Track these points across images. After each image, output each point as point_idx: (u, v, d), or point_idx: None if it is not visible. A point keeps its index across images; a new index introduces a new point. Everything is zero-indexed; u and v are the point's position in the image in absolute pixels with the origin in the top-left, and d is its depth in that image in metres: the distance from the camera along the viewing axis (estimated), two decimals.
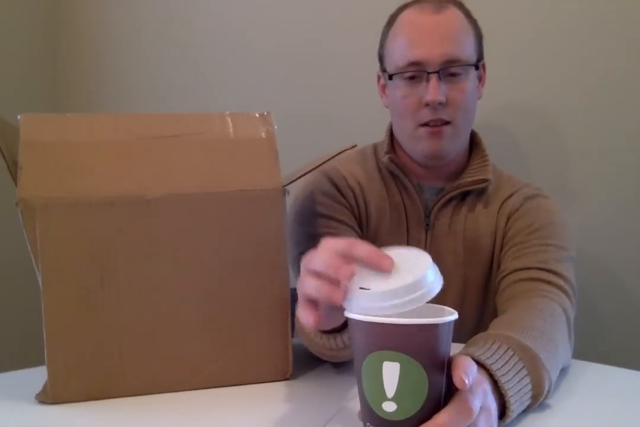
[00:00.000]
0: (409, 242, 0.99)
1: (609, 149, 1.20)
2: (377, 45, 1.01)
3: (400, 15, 0.97)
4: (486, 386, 0.55)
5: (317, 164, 0.80)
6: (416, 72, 0.92)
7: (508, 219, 0.97)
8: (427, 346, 0.49)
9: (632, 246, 1.19)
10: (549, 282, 0.85)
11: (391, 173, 1.01)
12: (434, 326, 0.49)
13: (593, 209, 1.22)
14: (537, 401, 0.65)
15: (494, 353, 0.63)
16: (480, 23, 0.97)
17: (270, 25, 1.56)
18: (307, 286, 0.55)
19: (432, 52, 0.91)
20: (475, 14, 0.97)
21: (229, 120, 0.79)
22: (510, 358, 0.63)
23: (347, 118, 1.44)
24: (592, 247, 1.20)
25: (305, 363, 0.83)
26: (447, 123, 0.94)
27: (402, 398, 0.48)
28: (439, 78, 0.91)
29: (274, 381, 0.77)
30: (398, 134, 1.01)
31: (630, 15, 1.17)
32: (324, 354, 0.76)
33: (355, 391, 0.72)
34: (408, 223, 1.00)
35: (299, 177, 0.78)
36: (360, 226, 0.99)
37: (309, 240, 0.89)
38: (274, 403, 0.70)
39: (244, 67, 1.59)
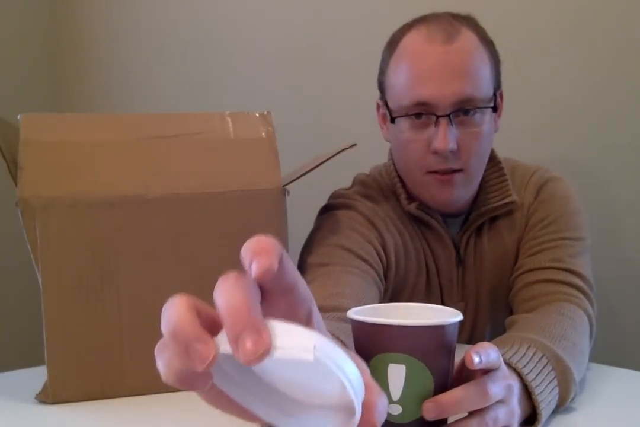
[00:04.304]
0: (441, 286, 0.91)
1: (607, 150, 1.20)
2: (378, 46, 0.99)
3: (404, 39, 0.84)
4: (514, 386, 0.53)
5: (316, 164, 0.80)
6: (423, 113, 0.81)
7: (527, 214, 0.91)
8: (433, 348, 0.48)
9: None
10: (568, 284, 0.81)
11: (417, 218, 0.90)
12: (441, 327, 0.48)
13: (598, 206, 1.22)
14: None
15: (529, 361, 0.61)
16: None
17: (271, 25, 1.56)
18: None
19: (442, 91, 0.79)
20: (471, 13, 0.93)
21: (229, 120, 0.79)
22: (544, 367, 0.62)
23: (347, 118, 1.44)
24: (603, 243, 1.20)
25: None
26: (458, 170, 0.83)
27: (407, 401, 0.48)
28: (450, 122, 0.79)
29: None
30: (403, 177, 0.90)
31: (628, 17, 1.17)
32: None
33: None
34: (437, 264, 0.90)
35: (299, 177, 0.78)
36: (386, 277, 0.87)
37: (319, 271, 0.80)
38: None
39: (245, 67, 1.59)
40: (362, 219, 0.87)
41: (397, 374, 0.47)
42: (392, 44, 0.86)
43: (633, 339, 1.19)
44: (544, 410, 0.59)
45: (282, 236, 0.76)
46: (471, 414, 0.49)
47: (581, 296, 0.81)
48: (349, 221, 0.86)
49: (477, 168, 0.86)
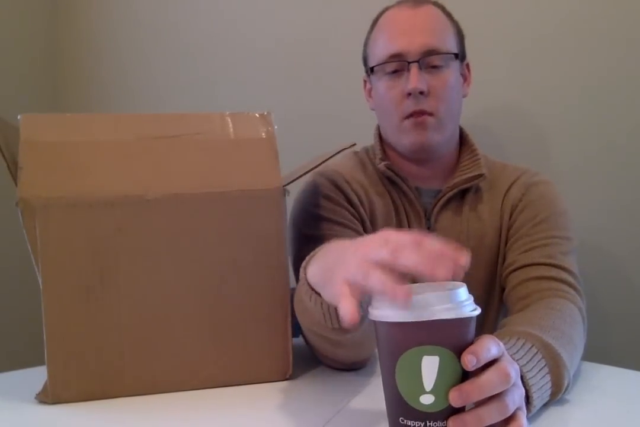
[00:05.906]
0: None
1: (606, 149, 1.20)
2: None
3: (380, 17, 1.01)
4: (518, 369, 0.55)
5: (316, 164, 0.80)
6: (398, 65, 0.94)
7: (512, 211, 0.97)
8: (462, 338, 0.50)
9: (636, 242, 1.19)
10: (560, 280, 0.87)
11: (389, 178, 1.00)
12: (469, 319, 0.50)
13: (593, 206, 1.22)
14: (556, 398, 0.66)
15: (519, 349, 0.64)
16: (477, 23, 0.97)
17: (271, 25, 1.56)
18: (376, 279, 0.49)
19: (411, 43, 0.93)
20: (472, 14, 0.96)
21: (229, 120, 0.79)
22: (534, 355, 0.64)
23: (347, 118, 1.44)
24: (595, 243, 1.20)
25: (305, 363, 0.83)
26: (430, 114, 0.94)
27: (440, 390, 0.50)
28: (420, 68, 0.92)
29: (274, 381, 0.77)
30: (385, 131, 1.01)
31: (629, 16, 1.17)
32: (327, 340, 0.71)
33: (354, 390, 0.72)
34: (410, 228, 0.98)
35: (299, 177, 0.79)
36: (365, 231, 0.98)
37: (309, 243, 0.89)
38: (274, 403, 0.70)
39: (244, 67, 1.59)
40: (329, 184, 0.97)
41: (430, 365, 0.49)
42: (372, 24, 1.02)
43: (625, 338, 1.19)
44: (536, 393, 0.61)
45: (281, 235, 0.76)
46: (490, 398, 0.50)
47: (572, 291, 0.86)
48: (321, 189, 0.98)
49: (446, 115, 0.96)
